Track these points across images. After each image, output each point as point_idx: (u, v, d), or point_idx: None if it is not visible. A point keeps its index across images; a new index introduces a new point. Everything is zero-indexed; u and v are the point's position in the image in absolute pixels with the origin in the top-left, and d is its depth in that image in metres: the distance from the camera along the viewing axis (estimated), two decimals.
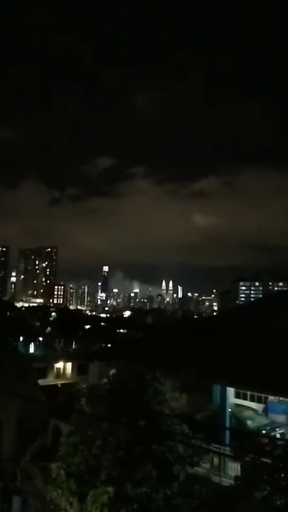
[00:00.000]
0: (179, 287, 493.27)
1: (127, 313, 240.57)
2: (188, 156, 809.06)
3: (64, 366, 65.74)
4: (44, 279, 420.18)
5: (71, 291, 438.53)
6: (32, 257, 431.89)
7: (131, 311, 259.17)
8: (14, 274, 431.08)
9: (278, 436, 21.29)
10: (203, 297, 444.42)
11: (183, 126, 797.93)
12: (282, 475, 13.81)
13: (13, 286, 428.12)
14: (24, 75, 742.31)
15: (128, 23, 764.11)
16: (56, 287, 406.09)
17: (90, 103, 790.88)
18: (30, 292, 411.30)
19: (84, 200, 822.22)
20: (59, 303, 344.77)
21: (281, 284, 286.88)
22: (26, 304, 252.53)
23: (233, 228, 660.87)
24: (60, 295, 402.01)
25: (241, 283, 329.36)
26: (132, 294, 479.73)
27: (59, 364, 65.56)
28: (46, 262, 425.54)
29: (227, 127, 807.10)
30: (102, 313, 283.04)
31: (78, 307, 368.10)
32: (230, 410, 21.58)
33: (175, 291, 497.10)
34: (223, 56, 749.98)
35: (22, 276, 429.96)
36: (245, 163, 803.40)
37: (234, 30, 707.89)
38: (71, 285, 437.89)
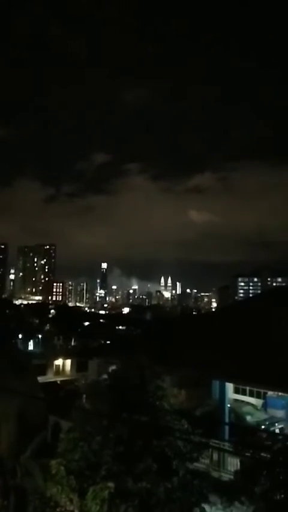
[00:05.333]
0: (178, 283, 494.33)
1: (126, 310, 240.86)
2: (182, 152, 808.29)
3: (63, 363, 65.85)
4: (42, 276, 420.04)
5: (70, 288, 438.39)
6: (31, 254, 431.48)
7: (130, 308, 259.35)
8: (12, 271, 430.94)
9: (277, 431, 21.35)
10: (202, 293, 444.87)
11: (177, 122, 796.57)
12: (282, 470, 13.83)
13: (12, 283, 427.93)
14: (17, 72, 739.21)
15: (125, 17, 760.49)
16: (54, 284, 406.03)
17: (84, 99, 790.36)
18: (29, 289, 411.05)
19: (80, 197, 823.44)
20: (58, 300, 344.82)
21: (279, 280, 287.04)
22: (25, 302, 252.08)
23: (230, 224, 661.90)
24: (59, 292, 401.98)
25: (240, 279, 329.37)
26: (131, 291, 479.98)
27: (59, 361, 65.67)
28: (45, 260, 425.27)
29: (221, 123, 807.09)
30: (101, 310, 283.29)
31: (77, 304, 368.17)
32: (229, 405, 21.63)
33: (174, 287, 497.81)
34: (218, 53, 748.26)
35: (21, 273, 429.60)
36: (240, 159, 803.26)
37: (229, 25, 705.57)
38: (70, 282, 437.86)
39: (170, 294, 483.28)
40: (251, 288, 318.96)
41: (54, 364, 64.73)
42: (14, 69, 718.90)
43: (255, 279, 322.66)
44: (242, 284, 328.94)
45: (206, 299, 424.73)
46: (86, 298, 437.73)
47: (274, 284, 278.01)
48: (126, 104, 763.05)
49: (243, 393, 24.29)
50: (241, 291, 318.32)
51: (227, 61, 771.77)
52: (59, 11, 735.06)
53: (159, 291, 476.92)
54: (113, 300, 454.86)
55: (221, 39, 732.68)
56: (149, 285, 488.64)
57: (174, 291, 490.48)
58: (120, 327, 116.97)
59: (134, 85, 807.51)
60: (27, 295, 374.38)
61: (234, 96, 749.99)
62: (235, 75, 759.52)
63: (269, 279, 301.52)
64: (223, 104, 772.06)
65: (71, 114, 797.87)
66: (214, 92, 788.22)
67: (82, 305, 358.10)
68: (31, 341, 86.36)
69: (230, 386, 22.32)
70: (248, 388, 24.01)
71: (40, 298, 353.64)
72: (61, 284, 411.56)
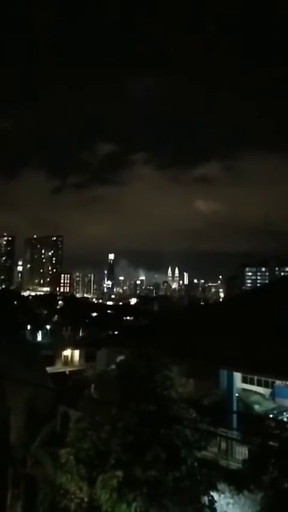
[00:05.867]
0: (185, 274, 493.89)
1: (133, 301, 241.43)
2: (188, 141, 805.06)
3: (72, 354, 66.16)
4: (50, 268, 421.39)
5: (77, 279, 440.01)
6: (38, 246, 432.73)
7: (137, 298, 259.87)
8: (20, 263, 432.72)
9: (285, 420, 21.37)
10: (209, 283, 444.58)
11: (183, 111, 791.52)
12: None
13: (20, 275, 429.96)
14: (22, 63, 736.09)
15: (130, 6, 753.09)
16: (62, 275, 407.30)
17: (89, 89, 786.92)
18: (36, 281, 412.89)
19: (86, 188, 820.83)
20: (66, 292, 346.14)
21: (287, 269, 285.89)
22: (33, 293, 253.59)
23: (237, 213, 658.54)
24: (67, 283, 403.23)
25: (247, 269, 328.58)
26: (138, 282, 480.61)
27: (67, 352, 65.98)
28: (52, 251, 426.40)
29: (227, 111, 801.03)
30: (109, 300, 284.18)
31: (85, 295, 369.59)
32: (237, 395, 21.65)
33: (181, 277, 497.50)
34: (224, 41, 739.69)
35: (28, 265, 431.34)
36: (246, 148, 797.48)
37: (234, 15, 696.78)
38: (77, 274, 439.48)
39: (177, 284, 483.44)
40: (258, 277, 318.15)
41: (62, 355, 65.05)
42: (18, 60, 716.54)
43: (263, 269, 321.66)
44: (250, 274, 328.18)
45: (213, 289, 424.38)
46: (94, 289, 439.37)
47: (282, 274, 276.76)
48: (131, 94, 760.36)
49: (251, 383, 24.31)
50: (249, 281, 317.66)
51: (234, 50, 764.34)
52: (61, 4, 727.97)
53: (167, 282, 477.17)
54: (120, 290, 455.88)
55: (227, 29, 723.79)
56: (156, 276, 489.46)
57: (181, 282, 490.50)
58: (128, 318, 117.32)
59: (139, 74, 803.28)
60: (35, 287, 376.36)
61: (242, 84, 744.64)
62: (243, 64, 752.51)
63: (276, 269, 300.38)
64: (230, 92, 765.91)
65: (76, 104, 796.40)
66: (222, 80, 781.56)
67: (89, 296, 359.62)
68: (39, 332, 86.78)
69: (238, 376, 22.32)
70: (256, 377, 24.02)
71: (48, 289, 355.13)
72: (68, 275, 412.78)
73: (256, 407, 22.30)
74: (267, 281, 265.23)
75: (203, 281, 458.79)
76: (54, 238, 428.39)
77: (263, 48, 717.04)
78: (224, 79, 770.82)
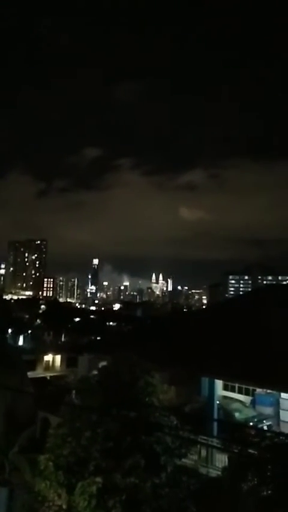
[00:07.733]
0: (169, 280, 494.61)
1: (117, 306, 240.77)
2: (174, 148, 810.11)
3: (53, 359, 65.72)
4: (33, 272, 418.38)
5: (61, 283, 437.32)
6: (22, 249, 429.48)
7: (120, 304, 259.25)
8: (3, 266, 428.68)
9: (265, 428, 21.47)
10: (193, 290, 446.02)
11: (170, 118, 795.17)
12: (269, 467, 13.94)
13: (2, 278, 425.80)
14: (8, 66, 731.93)
15: (115, 12, 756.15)
16: (45, 280, 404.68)
17: (77, 93, 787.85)
18: (19, 284, 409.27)
19: (71, 192, 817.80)
20: (49, 296, 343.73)
21: (270, 278, 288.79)
22: (15, 297, 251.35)
23: (221, 221, 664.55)
24: (50, 287, 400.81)
25: (230, 277, 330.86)
26: (122, 287, 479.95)
27: (48, 357, 65.53)
28: (36, 255, 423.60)
29: (214, 120, 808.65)
30: (92, 306, 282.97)
31: (68, 299, 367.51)
32: (218, 402, 21.72)
33: (165, 284, 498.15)
34: (209, 48, 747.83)
35: (11, 268, 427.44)
36: (231, 157, 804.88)
37: (221, 24, 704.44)
38: (61, 278, 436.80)
39: (161, 290, 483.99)
40: (241, 285, 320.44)
41: (44, 360, 64.58)
42: (4, 62, 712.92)
43: (246, 277, 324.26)
44: (233, 282, 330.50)
45: (197, 296, 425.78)
46: (77, 294, 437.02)
47: (264, 282, 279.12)
48: (118, 99, 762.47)
49: (232, 390, 24.40)
50: (232, 289, 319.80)
51: (220, 59, 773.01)
52: (49, 5, 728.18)
53: (151, 288, 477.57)
54: (104, 296, 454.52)
55: (214, 37, 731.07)
56: (140, 282, 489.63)
57: (165, 288, 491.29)
58: (111, 323, 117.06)
59: (127, 80, 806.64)
60: (17, 291, 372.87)
61: (227, 94, 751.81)
62: (228, 74, 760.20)
63: (259, 277, 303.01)
64: (215, 101, 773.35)
65: (62, 108, 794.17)
66: (207, 89, 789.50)
67: (73, 301, 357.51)
68: (21, 336, 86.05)
69: (219, 384, 22.41)
70: (236, 385, 24.13)
71: (31, 293, 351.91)
72: (52, 279, 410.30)
73: (237, 414, 22.37)
74: (250, 289, 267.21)
75: (186, 288, 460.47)
76: (38, 241, 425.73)
77: (250, 56, 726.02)
78: (210, 87, 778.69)
